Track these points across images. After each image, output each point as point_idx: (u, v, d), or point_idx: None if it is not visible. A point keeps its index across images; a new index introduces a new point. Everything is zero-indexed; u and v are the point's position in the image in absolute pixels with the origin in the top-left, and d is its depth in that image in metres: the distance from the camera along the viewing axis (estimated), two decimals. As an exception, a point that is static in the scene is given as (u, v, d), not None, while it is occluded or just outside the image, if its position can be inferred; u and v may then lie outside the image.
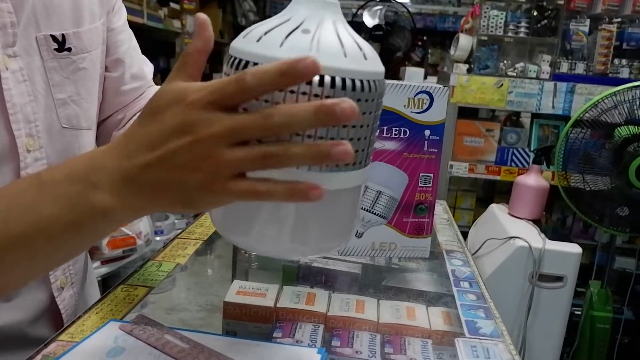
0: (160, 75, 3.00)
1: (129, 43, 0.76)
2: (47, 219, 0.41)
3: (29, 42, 0.59)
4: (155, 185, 0.39)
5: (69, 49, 0.63)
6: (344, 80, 0.37)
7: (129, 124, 0.76)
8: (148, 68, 0.80)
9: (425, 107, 0.67)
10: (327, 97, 0.36)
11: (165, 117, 0.37)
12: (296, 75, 0.34)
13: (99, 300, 0.63)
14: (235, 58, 0.39)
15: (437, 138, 0.68)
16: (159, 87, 0.84)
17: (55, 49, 0.62)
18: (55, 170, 0.42)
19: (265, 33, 0.38)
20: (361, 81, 0.38)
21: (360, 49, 0.39)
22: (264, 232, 0.42)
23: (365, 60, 0.39)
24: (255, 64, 0.37)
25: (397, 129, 0.67)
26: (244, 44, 0.39)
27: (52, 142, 0.63)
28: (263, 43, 0.38)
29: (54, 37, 0.61)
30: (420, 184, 0.69)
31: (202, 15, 0.40)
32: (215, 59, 3.92)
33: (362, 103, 0.38)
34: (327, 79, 0.36)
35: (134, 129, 0.40)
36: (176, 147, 0.37)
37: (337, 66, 0.36)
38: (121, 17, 0.75)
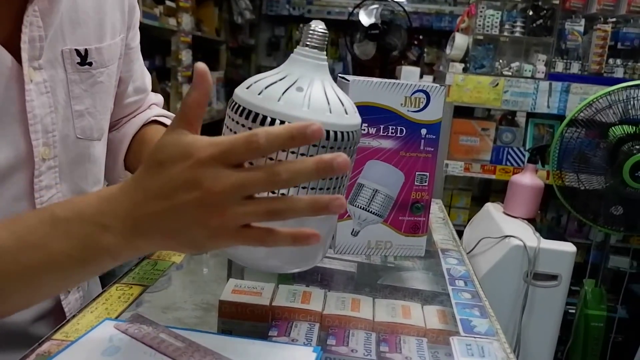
0: (156, 73, 2.99)
1: (139, 60, 0.79)
2: (57, 255, 0.43)
3: (55, 55, 0.60)
4: (164, 232, 0.41)
5: (90, 63, 0.64)
6: (328, 132, 0.44)
7: (123, 128, 0.79)
8: (148, 79, 0.82)
9: (421, 106, 0.67)
10: (314, 146, 0.43)
11: (173, 171, 0.39)
12: (304, 139, 0.37)
13: (94, 299, 0.63)
14: (240, 106, 0.46)
15: (434, 137, 0.68)
16: (155, 94, 0.86)
17: (77, 63, 0.63)
18: (67, 209, 0.44)
19: (266, 87, 0.46)
20: (342, 133, 0.45)
21: (342, 104, 0.47)
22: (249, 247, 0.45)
23: (346, 115, 0.47)
24: (256, 114, 0.44)
25: (394, 127, 0.67)
26: (247, 95, 0.46)
27: (65, 152, 0.64)
28: (263, 97, 0.45)
29: (77, 51, 0.62)
30: (416, 183, 0.69)
31: (201, 65, 0.40)
32: (213, 58, 3.91)
33: (341, 151, 0.44)
34: None
35: (142, 177, 0.41)
36: (185, 202, 0.38)
37: (323, 120, 0.43)
38: (136, 35, 0.77)
